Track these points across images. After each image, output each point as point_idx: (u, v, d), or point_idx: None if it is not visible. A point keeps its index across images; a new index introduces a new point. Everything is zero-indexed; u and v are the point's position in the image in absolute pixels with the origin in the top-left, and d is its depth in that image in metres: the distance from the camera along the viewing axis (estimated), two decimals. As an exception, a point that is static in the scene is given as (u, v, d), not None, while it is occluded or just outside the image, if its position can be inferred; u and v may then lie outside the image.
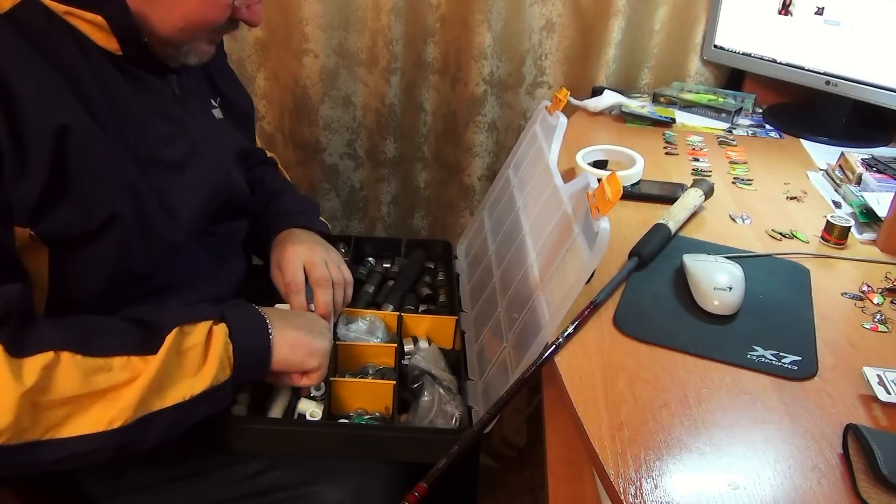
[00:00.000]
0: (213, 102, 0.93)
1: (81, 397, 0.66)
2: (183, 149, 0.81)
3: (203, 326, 0.73)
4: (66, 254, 0.72)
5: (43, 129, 0.66)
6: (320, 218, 1.04)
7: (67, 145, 0.67)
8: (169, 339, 0.70)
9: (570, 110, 1.18)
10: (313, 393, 0.85)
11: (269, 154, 1.13)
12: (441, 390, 0.88)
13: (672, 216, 0.96)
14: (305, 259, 0.92)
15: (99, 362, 0.67)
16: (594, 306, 0.80)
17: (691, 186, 1.04)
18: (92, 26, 0.72)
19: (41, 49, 0.68)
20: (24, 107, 0.65)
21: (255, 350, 0.76)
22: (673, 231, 0.95)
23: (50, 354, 0.65)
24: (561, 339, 0.76)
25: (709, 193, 1.05)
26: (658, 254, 0.91)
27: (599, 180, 0.76)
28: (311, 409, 0.85)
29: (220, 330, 0.74)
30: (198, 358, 0.72)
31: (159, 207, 0.77)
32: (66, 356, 0.65)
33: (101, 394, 0.67)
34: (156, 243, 0.78)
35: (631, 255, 0.90)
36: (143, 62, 0.77)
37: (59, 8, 0.71)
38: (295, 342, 0.79)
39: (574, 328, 0.77)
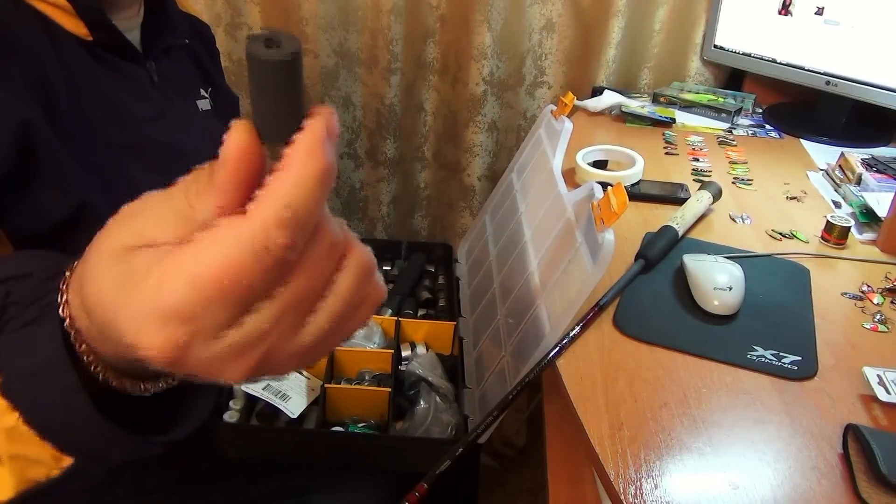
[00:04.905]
0: (203, 92, 0.91)
1: None
2: (162, 133, 0.79)
3: None
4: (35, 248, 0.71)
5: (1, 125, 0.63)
6: None
7: (28, 140, 0.64)
8: None
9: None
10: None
11: None
12: (438, 398, 0.87)
13: (681, 219, 0.95)
14: None
15: None
16: (599, 308, 0.80)
17: (700, 189, 1.03)
18: (58, 10, 0.69)
19: (2, 37, 0.66)
20: None
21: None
22: (680, 234, 0.94)
23: None
24: (565, 341, 0.75)
25: (717, 196, 1.04)
26: (664, 257, 0.91)
27: (604, 186, 0.75)
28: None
29: None
30: None
31: (134, 196, 0.76)
32: None
33: None
34: None
35: (637, 257, 0.89)
36: (116, 48, 0.75)
37: None
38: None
39: (579, 329, 0.77)
